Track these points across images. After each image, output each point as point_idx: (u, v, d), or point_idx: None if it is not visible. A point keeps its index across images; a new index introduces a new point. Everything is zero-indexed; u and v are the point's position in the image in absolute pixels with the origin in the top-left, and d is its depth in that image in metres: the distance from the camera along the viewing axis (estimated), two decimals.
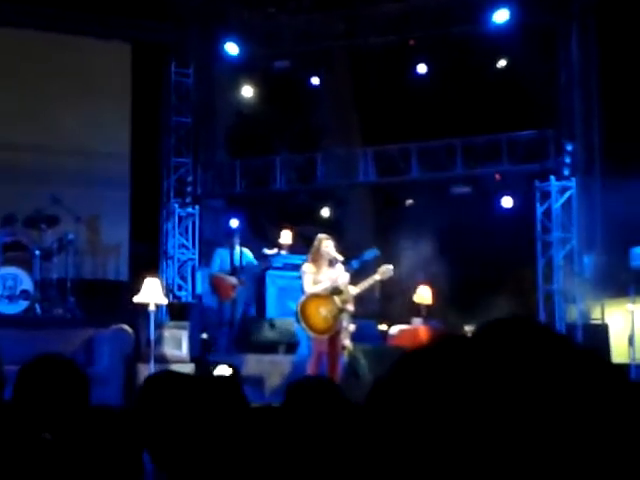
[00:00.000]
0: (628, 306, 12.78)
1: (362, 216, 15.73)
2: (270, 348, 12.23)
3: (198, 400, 2.56)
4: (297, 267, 13.02)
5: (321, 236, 9.83)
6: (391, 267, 9.65)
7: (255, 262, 13.08)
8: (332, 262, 9.54)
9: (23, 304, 11.47)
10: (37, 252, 11.92)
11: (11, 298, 11.40)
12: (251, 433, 2.50)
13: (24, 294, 11.46)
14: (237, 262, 12.85)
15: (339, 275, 9.56)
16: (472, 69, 14.28)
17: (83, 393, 2.90)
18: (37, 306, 11.63)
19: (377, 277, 9.59)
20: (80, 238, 13.11)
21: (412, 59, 14.94)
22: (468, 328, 12.92)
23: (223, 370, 10.34)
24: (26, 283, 11.49)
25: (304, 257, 12.76)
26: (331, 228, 13.31)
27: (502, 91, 13.96)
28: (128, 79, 15.10)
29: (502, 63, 14.47)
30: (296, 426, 2.52)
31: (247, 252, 13.04)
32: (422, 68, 14.95)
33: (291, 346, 12.32)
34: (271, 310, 13.28)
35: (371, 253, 10.91)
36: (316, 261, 9.59)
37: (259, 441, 2.48)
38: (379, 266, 9.71)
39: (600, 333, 12.74)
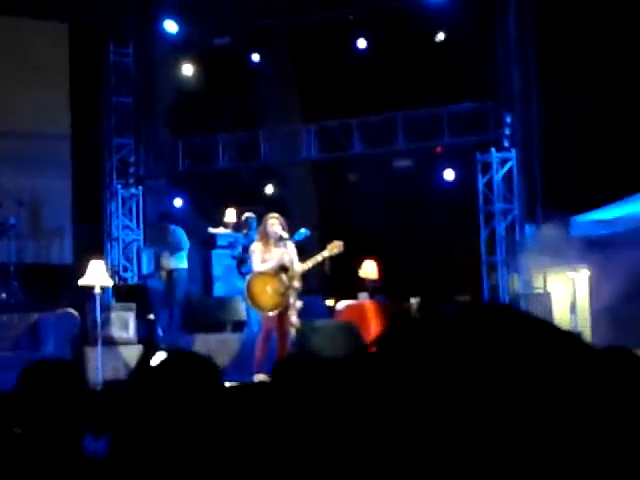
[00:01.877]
0: (569, 274, 12.99)
1: (306, 193, 15.76)
2: (217, 327, 12.25)
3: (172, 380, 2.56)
4: (235, 245, 13.08)
5: (268, 215, 9.86)
6: (341, 243, 9.71)
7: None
8: (279, 240, 9.57)
9: None
10: None
11: None
12: (227, 412, 2.51)
13: None
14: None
15: (286, 252, 9.60)
16: (411, 43, 14.33)
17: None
18: None
19: (325, 253, 9.64)
20: (22, 222, 12.97)
21: (352, 34, 14.95)
22: (413, 301, 13.05)
23: (161, 356, 10.34)
24: None
25: (240, 235, 12.83)
26: (275, 206, 13.32)
27: (441, 65, 14.04)
28: (66, 59, 14.93)
29: (441, 37, 14.53)
30: (284, 403, 2.53)
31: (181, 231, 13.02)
32: (362, 43, 14.98)
33: (238, 324, 12.35)
34: (218, 289, 13.30)
35: (301, 234, 10.96)
36: (263, 239, 9.62)
37: (238, 420, 2.49)
38: (329, 242, 9.76)
39: (543, 302, 12.95)
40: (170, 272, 12.79)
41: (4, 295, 11.94)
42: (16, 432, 2.84)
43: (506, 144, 13.26)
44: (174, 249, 12.80)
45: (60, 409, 2.75)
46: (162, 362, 2.63)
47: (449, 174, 14.53)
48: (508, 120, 13.25)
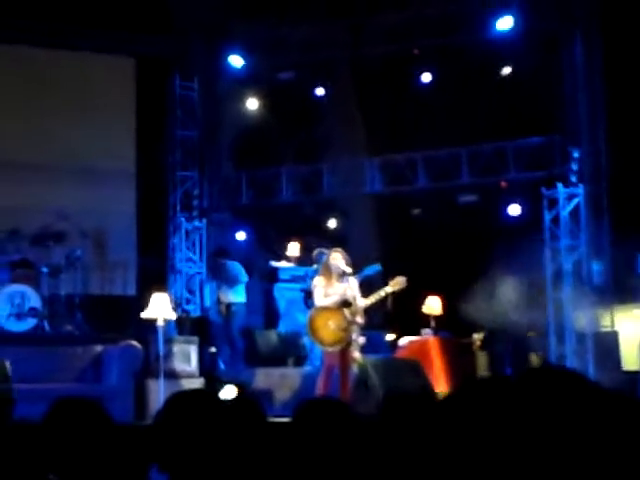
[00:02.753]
0: (636, 312, 12.74)
1: (369, 227, 15.69)
2: (279, 361, 12.20)
3: (219, 418, 2.52)
4: (305, 278, 13.06)
5: (331, 250, 9.82)
6: (404, 279, 9.61)
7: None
8: (342, 275, 9.51)
9: (32, 322, 11.45)
10: (44, 269, 11.91)
11: (19, 316, 11.38)
12: (268, 448, 2.47)
13: (32, 311, 11.44)
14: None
15: (349, 287, 9.53)
16: (476, 77, 14.24)
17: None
18: (45, 323, 11.61)
19: (389, 289, 9.55)
20: (87, 254, 13.10)
21: (416, 68, 14.92)
22: (476, 336, 12.89)
23: (230, 391, 10.32)
24: (34, 300, 11.47)
25: (311, 269, 12.80)
26: (338, 239, 13.28)
27: (507, 98, 13.92)
28: (133, 94, 15.11)
29: (506, 70, 14.42)
30: (304, 443, 2.48)
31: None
32: (427, 77, 14.93)
33: (300, 359, 12.29)
34: (280, 323, 13.27)
35: (373, 268, 10.91)
36: (326, 274, 9.57)
37: (275, 455, 2.45)
38: (392, 278, 9.68)
39: (610, 340, 12.69)
40: (228, 306, 12.81)
41: (69, 327, 12.03)
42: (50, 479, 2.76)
43: (573, 179, 13.06)
44: (231, 283, 12.82)
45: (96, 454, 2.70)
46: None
47: (514, 209, 14.37)
48: (575, 155, 13.05)
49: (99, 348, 11.33)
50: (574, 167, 13.01)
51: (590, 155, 13.31)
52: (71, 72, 14.59)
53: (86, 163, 14.34)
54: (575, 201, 13.08)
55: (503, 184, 14.08)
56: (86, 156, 14.35)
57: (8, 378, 8.96)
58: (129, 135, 15.02)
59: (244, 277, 12.90)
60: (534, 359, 13.06)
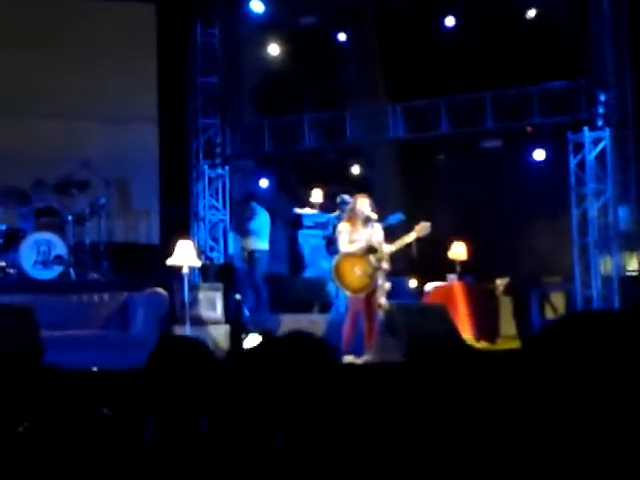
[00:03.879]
0: None
1: (392, 173, 15.62)
2: (304, 307, 12.23)
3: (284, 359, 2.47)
4: (327, 225, 13.05)
5: (357, 195, 9.78)
6: (428, 224, 9.58)
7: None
8: (367, 221, 9.48)
9: (57, 269, 11.49)
10: (69, 217, 11.93)
11: (45, 263, 11.42)
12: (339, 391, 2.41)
13: (58, 259, 11.48)
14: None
15: (374, 233, 9.51)
16: (501, 20, 14.05)
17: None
18: (71, 271, 11.66)
19: (413, 235, 9.51)
20: (111, 202, 13.10)
21: (439, 12, 14.72)
22: (499, 281, 12.87)
23: (254, 339, 10.36)
24: (60, 248, 11.50)
25: (333, 216, 12.77)
26: (361, 186, 13.24)
27: (531, 42, 13.74)
28: (153, 41, 15.01)
29: (531, 13, 14.22)
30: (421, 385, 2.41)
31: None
32: (450, 21, 14.75)
33: (325, 305, 12.31)
34: (305, 269, 13.28)
35: (396, 217, 10.88)
36: (351, 220, 9.54)
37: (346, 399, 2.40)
38: (416, 223, 9.65)
39: (636, 285, 12.64)
40: (251, 253, 12.80)
41: (95, 275, 12.08)
42: (105, 413, 2.77)
43: (599, 123, 12.91)
44: (256, 229, 12.80)
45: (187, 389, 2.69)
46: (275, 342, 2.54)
47: (539, 154, 14.24)
48: (602, 98, 12.88)
49: (125, 295, 11.40)
50: (600, 110, 12.86)
51: (616, 99, 13.12)
52: (92, 20, 14.48)
53: (108, 111, 14.30)
54: (601, 145, 12.94)
55: (529, 129, 13.93)
56: (107, 104, 14.30)
57: (36, 325, 9.00)
58: (150, 83, 14.94)
59: (268, 225, 12.88)
60: (558, 303, 13.04)
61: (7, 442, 2.62)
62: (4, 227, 11.67)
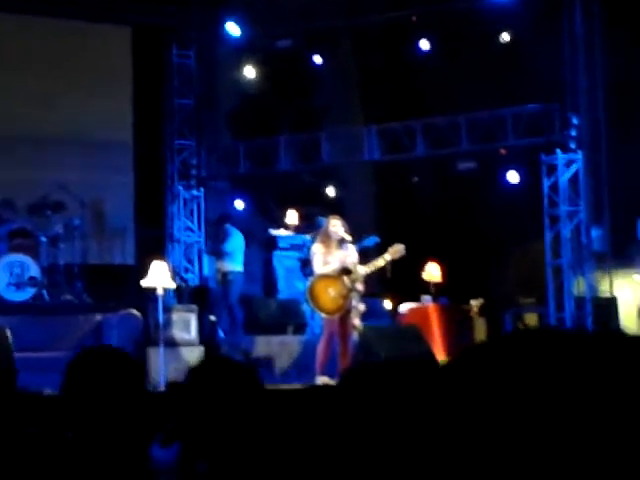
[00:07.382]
0: (635, 277, 12.76)
1: (367, 195, 15.68)
2: (279, 329, 12.22)
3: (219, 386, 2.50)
4: (302, 247, 13.07)
5: (330, 217, 9.82)
6: (402, 246, 9.63)
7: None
8: (341, 242, 9.51)
9: (31, 291, 11.45)
10: (43, 238, 11.89)
11: (19, 285, 11.38)
12: (268, 416, 2.45)
13: (32, 281, 11.44)
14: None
15: (348, 255, 9.54)
16: (475, 44, 14.17)
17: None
18: (45, 292, 11.62)
19: (388, 257, 9.56)
20: (86, 223, 13.07)
21: (415, 35, 14.82)
22: (474, 302, 12.92)
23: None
24: (33, 270, 11.47)
25: (308, 238, 12.80)
26: (336, 208, 13.28)
27: (505, 65, 13.87)
28: (129, 62, 15.01)
29: (505, 37, 14.35)
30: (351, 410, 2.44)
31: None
32: (425, 44, 14.83)
33: (300, 326, 12.32)
34: (279, 291, 13.28)
35: (371, 240, 10.93)
36: (325, 242, 9.57)
37: (277, 425, 2.43)
38: (391, 245, 9.69)
39: (609, 306, 12.73)
40: (225, 274, 12.81)
41: (69, 296, 12.03)
42: (67, 436, 2.72)
43: (572, 146, 13.02)
44: (230, 251, 12.82)
45: (123, 411, 2.61)
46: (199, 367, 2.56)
47: (513, 176, 14.34)
48: (574, 121, 13.00)
49: (99, 317, 11.36)
50: (573, 133, 12.97)
51: (589, 122, 13.26)
52: (67, 42, 14.48)
53: (83, 133, 14.27)
54: (574, 167, 13.05)
55: (502, 151, 14.03)
56: (83, 126, 14.28)
57: (10, 347, 8.96)
58: (126, 104, 14.95)
59: (242, 246, 12.89)
60: (531, 324, 13.10)
61: None
62: None
